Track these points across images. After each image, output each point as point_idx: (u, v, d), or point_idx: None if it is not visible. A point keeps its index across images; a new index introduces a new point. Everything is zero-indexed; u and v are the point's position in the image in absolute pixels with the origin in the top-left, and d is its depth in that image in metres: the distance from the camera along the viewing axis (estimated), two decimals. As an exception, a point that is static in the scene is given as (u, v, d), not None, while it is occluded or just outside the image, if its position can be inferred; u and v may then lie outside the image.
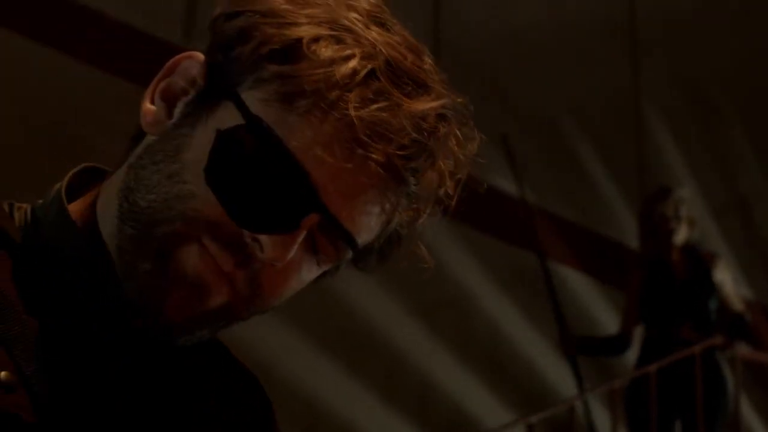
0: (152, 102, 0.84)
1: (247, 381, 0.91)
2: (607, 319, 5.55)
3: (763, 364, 4.89)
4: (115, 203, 0.81)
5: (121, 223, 0.80)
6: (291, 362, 4.13)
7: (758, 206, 6.64)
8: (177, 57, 0.85)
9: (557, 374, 5.45)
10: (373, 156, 0.77)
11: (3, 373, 0.74)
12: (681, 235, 4.52)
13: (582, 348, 4.65)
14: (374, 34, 0.80)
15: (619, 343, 4.66)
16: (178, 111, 0.83)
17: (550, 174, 5.53)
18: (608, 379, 4.79)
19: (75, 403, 0.76)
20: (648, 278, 4.59)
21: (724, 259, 4.75)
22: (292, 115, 0.77)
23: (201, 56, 0.83)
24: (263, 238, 0.77)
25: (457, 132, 0.82)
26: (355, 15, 0.81)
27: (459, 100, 0.83)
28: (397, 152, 0.78)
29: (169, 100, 0.84)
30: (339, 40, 0.79)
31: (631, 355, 4.92)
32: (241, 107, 0.78)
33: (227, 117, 0.79)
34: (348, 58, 0.78)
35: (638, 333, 4.76)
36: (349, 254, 0.82)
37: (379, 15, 0.82)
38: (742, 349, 4.58)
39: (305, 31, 0.78)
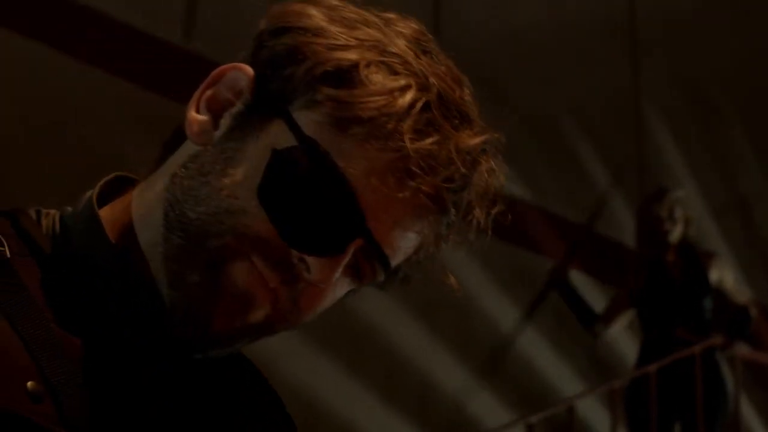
0: (197, 111, 0.84)
1: (272, 397, 0.92)
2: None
3: (763, 364, 4.90)
4: (159, 212, 0.82)
5: (168, 232, 0.80)
6: (291, 362, 4.13)
7: (758, 206, 6.65)
8: (223, 67, 0.85)
9: (557, 374, 5.46)
10: (423, 187, 0.79)
11: (30, 383, 0.74)
12: (676, 236, 4.53)
13: (570, 295, 4.74)
14: (425, 63, 0.81)
15: (589, 324, 4.72)
16: (224, 122, 0.83)
17: (550, 174, 5.53)
18: (608, 379, 4.80)
19: (104, 413, 0.77)
20: (645, 279, 4.59)
21: (722, 258, 4.75)
22: (346, 141, 0.79)
23: (249, 69, 0.83)
24: (311, 259, 0.78)
25: (494, 166, 0.84)
26: (404, 42, 0.82)
27: (496, 135, 0.85)
28: (445, 184, 0.80)
29: (215, 110, 0.84)
30: (393, 68, 0.80)
31: (631, 355, 4.92)
32: (295, 128, 0.79)
33: (280, 135, 0.80)
34: (405, 88, 0.79)
35: (637, 334, 4.76)
36: (382, 276, 0.84)
37: (425, 42, 0.84)
38: (742, 349, 4.59)
39: (358, 56, 0.80)
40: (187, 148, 0.84)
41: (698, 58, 6.28)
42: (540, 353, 5.45)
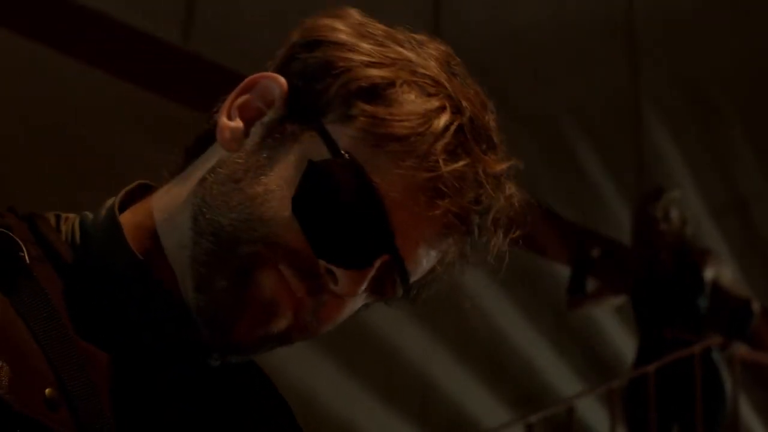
0: (229, 117, 0.85)
1: (281, 403, 0.93)
2: (606, 318, 5.56)
3: (762, 364, 4.90)
4: (186, 215, 0.82)
5: (197, 236, 0.81)
6: (291, 362, 4.14)
7: (758, 206, 6.65)
8: (255, 75, 0.86)
9: (556, 374, 5.46)
10: (452, 208, 0.80)
11: (48, 390, 0.74)
12: (671, 236, 4.53)
13: (581, 264, 4.79)
14: (457, 86, 0.83)
15: (573, 292, 4.73)
16: (255, 131, 0.84)
17: (550, 174, 5.54)
18: (607, 379, 4.80)
19: (121, 421, 0.77)
20: (640, 279, 4.60)
21: (718, 255, 4.75)
22: (381, 157, 0.80)
23: (282, 80, 0.84)
24: (339, 271, 0.79)
25: (515, 191, 0.86)
26: (436, 64, 0.84)
27: (515, 162, 0.87)
28: (474, 207, 0.82)
29: (247, 118, 0.85)
30: (426, 89, 0.82)
31: (630, 355, 4.93)
32: (330, 141, 0.80)
33: (314, 148, 0.81)
34: (440, 110, 0.81)
35: (635, 334, 4.76)
36: (401, 293, 0.85)
37: (454, 65, 0.85)
38: (741, 349, 4.59)
39: (393, 74, 0.81)
40: (216, 154, 0.85)
41: (698, 58, 6.28)
42: (539, 353, 5.45)
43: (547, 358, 5.46)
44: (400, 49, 0.84)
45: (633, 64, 6.25)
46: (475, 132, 0.82)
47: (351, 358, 4.66)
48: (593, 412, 5.21)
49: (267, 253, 0.79)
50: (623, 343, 5.39)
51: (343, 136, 0.80)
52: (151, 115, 4.11)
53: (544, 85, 5.61)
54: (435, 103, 0.81)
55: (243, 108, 0.85)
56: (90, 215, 0.86)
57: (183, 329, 0.81)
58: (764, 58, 6.52)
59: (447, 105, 0.81)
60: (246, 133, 0.84)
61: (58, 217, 0.86)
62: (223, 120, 0.85)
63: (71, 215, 0.87)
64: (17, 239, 0.80)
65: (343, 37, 0.83)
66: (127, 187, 0.89)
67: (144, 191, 0.89)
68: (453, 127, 0.81)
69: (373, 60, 0.82)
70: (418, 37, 0.86)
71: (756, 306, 4.56)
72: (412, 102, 0.81)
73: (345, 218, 0.79)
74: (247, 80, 0.86)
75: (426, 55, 0.84)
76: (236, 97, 0.85)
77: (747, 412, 5.56)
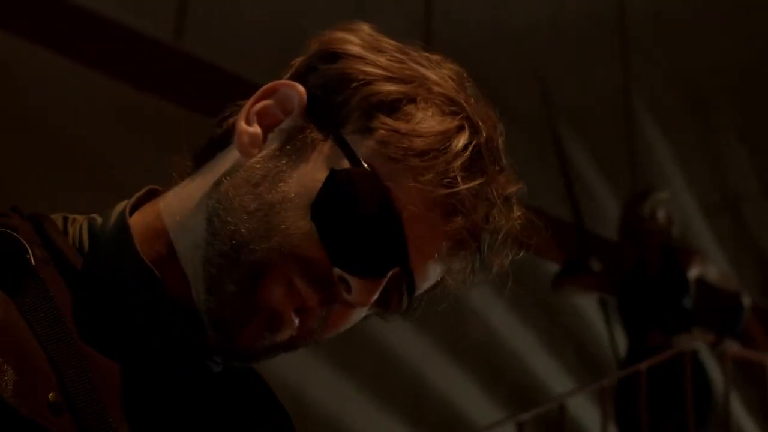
0: (247, 122, 0.86)
1: (280, 410, 0.93)
2: (598, 316, 5.57)
3: (753, 361, 4.91)
4: (200, 217, 0.83)
5: (212, 237, 0.81)
6: (282, 361, 4.14)
7: (750, 206, 6.66)
8: (275, 82, 0.87)
9: (547, 372, 5.47)
10: (466, 225, 0.82)
11: (51, 394, 0.75)
12: (657, 236, 4.53)
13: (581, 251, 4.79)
14: (473, 106, 0.85)
15: (563, 274, 4.81)
16: (273, 137, 0.85)
17: (549, 174, 5.54)
18: (598, 377, 4.81)
19: (124, 426, 0.78)
20: (626, 278, 4.60)
21: (704, 255, 4.75)
22: (398, 171, 0.81)
23: (302, 88, 0.85)
24: (353, 280, 0.80)
25: (522, 213, 0.88)
26: (452, 83, 0.86)
27: (523, 185, 0.89)
28: (486, 225, 0.84)
29: (265, 124, 0.86)
30: (446, 107, 0.84)
31: (621, 353, 4.93)
32: (349, 151, 0.82)
33: (334, 158, 0.82)
34: (460, 129, 0.83)
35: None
36: (405, 305, 0.86)
37: (467, 84, 0.87)
38: (732, 347, 4.59)
39: (413, 90, 0.83)
40: (231, 157, 0.85)
41: (690, 56, 6.29)
42: (531, 351, 5.46)
43: (539, 356, 5.47)
44: (416, 66, 0.85)
45: (624, 64, 6.26)
46: (490, 153, 0.84)
47: (343, 358, 4.66)
48: (585, 410, 5.22)
49: (281, 261, 0.80)
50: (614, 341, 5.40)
51: (362, 147, 0.82)
52: (145, 114, 4.10)
53: (537, 85, 5.61)
54: (455, 122, 0.83)
55: (261, 114, 0.86)
56: (99, 218, 0.86)
57: (190, 333, 0.81)
58: (756, 57, 6.54)
59: (465, 125, 0.83)
60: (264, 138, 0.85)
61: (65, 219, 0.86)
62: (242, 125, 0.85)
63: (79, 217, 0.87)
64: (23, 241, 0.80)
65: (359, 50, 0.85)
66: (139, 193, 0.89)
67: (152, 194, 0.90)
68: (471, 147, 0.83)
69: (392, 75, 0.84)
70: (432, 56, 0.88)
71: (746, 299, 4.57)
72: (431, 119, 0.83)
73: (363, 228, 0.80)
74: (265, 87, 0.87)
75: (442, 74, 0.86)
76: (255, 103, 0.86)
77: (738, 410, 5.58)
